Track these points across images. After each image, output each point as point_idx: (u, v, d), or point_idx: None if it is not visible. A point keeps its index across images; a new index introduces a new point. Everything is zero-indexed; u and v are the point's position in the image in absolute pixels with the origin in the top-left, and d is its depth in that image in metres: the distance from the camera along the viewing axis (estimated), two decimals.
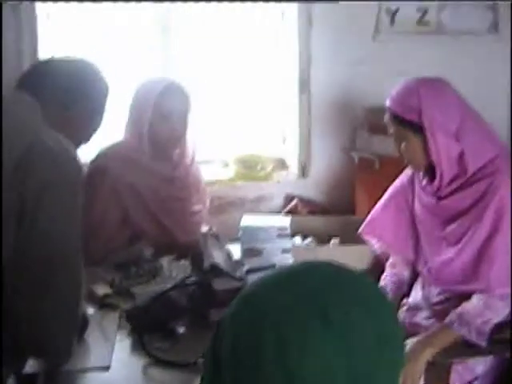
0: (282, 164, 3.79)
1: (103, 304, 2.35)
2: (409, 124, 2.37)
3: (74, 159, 1.94)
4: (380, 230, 2.70)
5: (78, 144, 2.17)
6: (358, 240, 2.85)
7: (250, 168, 3.68)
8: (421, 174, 2.52)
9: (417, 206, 2.57)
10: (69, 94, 2.06)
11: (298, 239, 3.27)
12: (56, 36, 3.59)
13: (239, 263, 2.42)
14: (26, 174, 1.82)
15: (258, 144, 3.78)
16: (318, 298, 0.89)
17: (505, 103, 3.69)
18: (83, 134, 2.18)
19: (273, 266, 2.31)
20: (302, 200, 3.60)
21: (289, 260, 2.60)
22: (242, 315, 0.92)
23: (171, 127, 2.79)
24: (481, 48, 3.63)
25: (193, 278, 2.25)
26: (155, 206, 2.81)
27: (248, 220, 2.63)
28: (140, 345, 2.05)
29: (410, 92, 2.40)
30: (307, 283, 0.92)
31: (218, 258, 2.31)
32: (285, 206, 3.61)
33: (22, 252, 1.82)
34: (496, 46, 3.63)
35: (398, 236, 2.65)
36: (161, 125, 2.78)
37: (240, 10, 3.68)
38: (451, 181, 2.39)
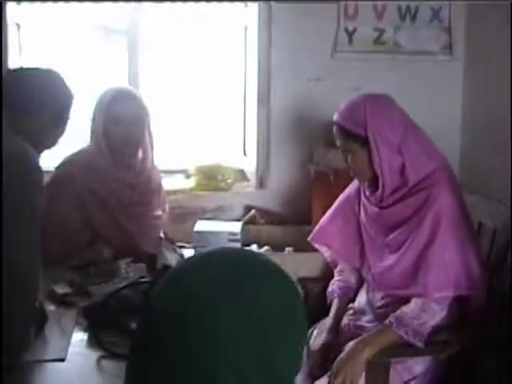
0: (242, 175, 3.91)
1: (63, 302, 2.46)
2: (355, 137, 2.50)
3: (34, 165, 2.04)
4: (328, 238, 2.84)
5: (41, 150, 2.28)
6: (311, 249, 2.99)
7: (211, 179, 3.80)
8: (365, 184, 2.66)
9: (362, 215, 2.71)
10: (31, 102, 2.17)
11: (254, 248, 3.40)
12: (27, 45, 3.73)
13: None
14: None
15: (220, 155, 3.90)
16: (232, 275, 1.02)
17: (457, 122, 3.83)
18: (47, 141, 2.29)
19: None
20: (259, 210, 3.72)
21: None
22: (167, 294, 1.04)
23: (124, 133, 2.88)
24: (435, 68, 3.78)
25: (147, 278, 2.37)
26: (117, 212, 2.90)
27: (201, 225, 2.75)
28: (94, 339, 2.16)
29: (356, 107, 2.54)
30: (222, 264, 1.04)
31: (170, 259, 2.43)
32: (244, 216, 3.72)
33: None
34: (450, 66, 3.78)
35: (345, 244, 2.79)
36: (113, 130, 2.87)
37: (205, 22, 3.81)
38: (393, 191, 2.53)
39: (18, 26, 3.71)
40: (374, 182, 2.59)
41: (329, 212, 2.88)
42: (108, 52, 3.89)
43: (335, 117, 2.58)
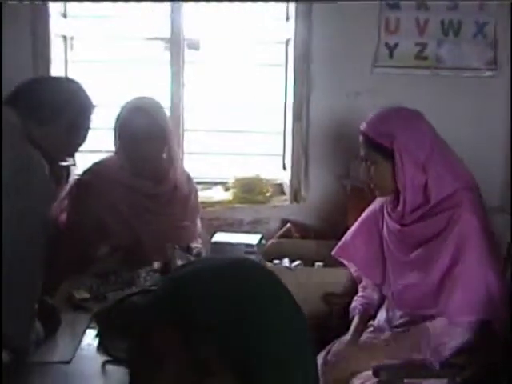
0: (280, 189, 3.91)
1: (80, 307, 2.51)
2: (380, 148, 2.47)
3: (43, 173, 2.09)
4: (351, 252, 2.82)
5: (60, 157, 2.33)
6: (341, 264, 2.97)
7: (249, 191, 3.81)
8: (386, 198, 2.63)
9: (385, 231, 2.67)
10: (44, 110, 2.23)
11: (286, 261, 3.39)
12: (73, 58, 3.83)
13: None
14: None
15: (259, 168, 3.91)
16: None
17: (504, 139, 3.74)
18: (64, 148, 2.34)
19: None
20: (295, 224, 3.71)
21: None
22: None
23: (139, 149, 2.89)
24: (479, 84, 3.70)
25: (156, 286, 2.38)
26: (134, 221, 2.94)
27: (219, 236, 2.76)
28: (101, 343, 2.20)
29: (385, 118, 2.52)
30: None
31: None
32: (280, 229, 3.72)
33: None
34: (495, 82, 3.70)
35: (367, 259, 2.76)
36: (129, 146, 2.91)
37: (246, 35, 3.85)
38: (414, 209, 2.49)
39: (65, 38, 3.80)
40: (396, 198, 2.56)
41: (354, 226, 2.85)
42: (154, 62, 3.94)
43: (362, 126, 2.56)
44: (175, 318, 0.98)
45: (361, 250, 2.79)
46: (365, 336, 2.67)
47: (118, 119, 2.94)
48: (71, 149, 2.39)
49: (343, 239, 2.87)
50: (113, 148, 3.02)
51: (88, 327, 2.35)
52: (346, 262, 2.90)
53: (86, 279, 2.69)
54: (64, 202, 3.00)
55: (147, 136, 2.89)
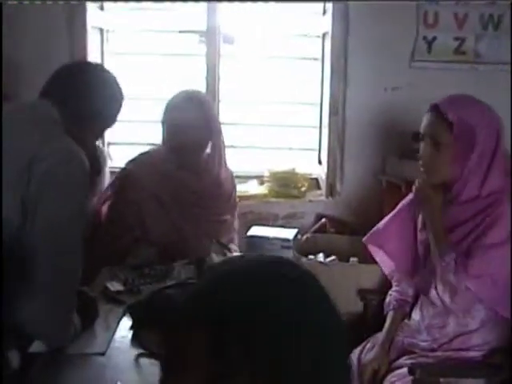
0: (316, 184, 3.89)
1: (114, 299, 2.51)
2: (454, 130, 2.38)
3: (82, 166, 2.09)
4: (383, 239, 2.74)
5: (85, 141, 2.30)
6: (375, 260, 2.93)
7: (284, 186, 3.79)
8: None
9: (420, 221, 2.63)
10: (78, 100, 2.22)
11: (321, 256, 3.37)
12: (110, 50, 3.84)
13: None
14: (33, 173, 1.98)
15: (295, 163, 3.89)
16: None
17: None
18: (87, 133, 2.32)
19: None
20: (330, 219, 3.69)
21: None
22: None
23: (191, 137, 2.90)
24: None
25: (192, 280, 2.38)
26: (174, 214, 2.94)
27: (255, 230, 2.74)
28: (135, 336, 2.20)
29: (467, 102, 2.44)
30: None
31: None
32: (314, 224, 3.70)
33: (23, 243, 1.99)
34: None
35: (399, 248, 2.69)
36: (174, 136, 2.90)
37: (283, 29, 3.83)
38: (466, 200, 2.43)
39: (101, 30, 3.81)
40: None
41: (388, 215, 2.80)
42: (189, 56, 3.94)
43: (440, 103, 2.45)
44: (205, 316, 0.97)
45: (393, 238, 2.70)
46: (399, 334, 2.62)
47: (166, 111, 2.94)
48: (94, 134, 2.37)
49: (375, 227, 2.80)
50: (149, 140, 3.03)
51: (122, 319, 2.35)
52: (376, 253, 2.81)
53: (120, 272, 2.70)
54: (106, 193, 3.02)
55: (191, 126, 2.90)
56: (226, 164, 3.16)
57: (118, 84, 2.35)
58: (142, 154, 3.07)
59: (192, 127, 2.90)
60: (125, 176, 2.98)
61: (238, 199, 3.33)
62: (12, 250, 1.96)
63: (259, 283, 0.99)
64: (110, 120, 2.37)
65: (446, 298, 2.45)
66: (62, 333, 2.11)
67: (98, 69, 2.40)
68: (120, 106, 2.36)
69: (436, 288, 2.50)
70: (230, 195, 3.17)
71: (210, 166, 3.03)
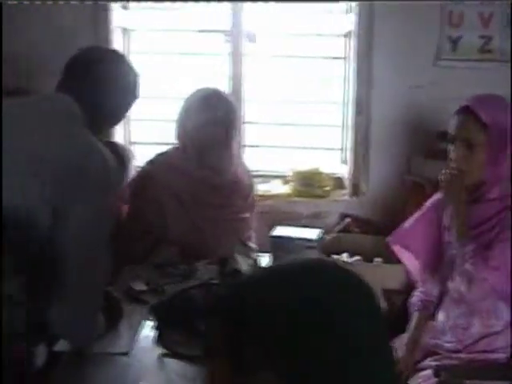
0: (340, 183, 3.87)
1: (137, 299, 2.51)
2: (488, 131, 2.36)
3: (106, 161, 2.09)
4: (408, 239, 2.72)
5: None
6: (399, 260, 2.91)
7: (308, 185, 3.78)
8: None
9: (446, 220, 2.60)
10: (96, 91, 2.19)
11: (345, 256, 3.36)
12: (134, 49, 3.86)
13: None
14: (62, 173, 1.98)
15: (318, 162, 3.88)
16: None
17: None
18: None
19: None
20: (354, 219, 3.67)
21: None
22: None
23: (210, 135, 2.89)
24: None
25: (215, 280, 2.38)
26: (195, 213, 2.93)
27: (279, 231, 2.73)
28: (158, 336, 2.20)
29: (503, 104, 2.42)
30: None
31: (242, 263, 2.43)
32: (338, 223, 3.69)
33: (52, 244, 1.99)
34: None
35: (425, 248, 2.66)
36: (199, 132, 2.89)
37: (305, 27, 3.82)
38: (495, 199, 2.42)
39: (125, 30, 3.83)
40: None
41: (414, 215, 2.77)
42: (211, 55, 3.95)
43: (471, 103, 2.42)
44: (230, 317, 0.97)
45: (418, 238, 2.67)
46: (424, 335, 2.60)
47: (184, 109, 2.95)
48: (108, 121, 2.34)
49: (400, 227, 2.78)
50: (171, 139, 3.03)
51: (145, 319, 2.36)
52: (401, 253, 2.79)
53: (143, 271, 2.70)
54: (125, 192, 3.02)
55: (221, 122, 2.90)
56: (241, 160, 3.15)
57: (132, 72, 2.29)
58: (160, 154, 3.07)
59: (218, 126, 2.90)
60: (144, 175, 2.99)
61: (257, 198, 3.33)
62: (43, 250, 1.97)
63: (281, 285, 0.99)
64: (124, 112, 2.34)
65: (463, 288, 2.44)
66: (87, 333, 2.12)
67: (114, 57, 2.32)
68: (134, 97, 2.31)
69: (454, 278, 2.49)
70: (247, 193, 3.15)
71: (229, 164, 3.03)
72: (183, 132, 2.95)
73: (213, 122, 2.89)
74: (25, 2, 3.58)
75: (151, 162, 3.04)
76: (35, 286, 1.97)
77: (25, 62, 3.73)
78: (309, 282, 1.00)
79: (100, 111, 2.19)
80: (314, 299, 0.98)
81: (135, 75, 2.29)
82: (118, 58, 2.32)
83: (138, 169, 3.07)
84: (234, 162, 3.04)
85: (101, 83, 2.19)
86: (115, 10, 3.72)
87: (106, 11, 3.68)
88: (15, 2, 3.54)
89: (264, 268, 1.11)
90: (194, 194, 2.94)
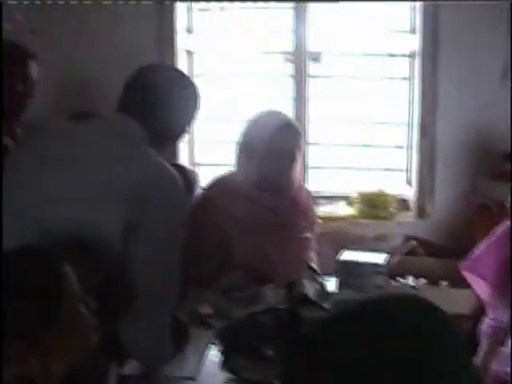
0: (405, 205, 3.84)
1: (203, 322, 2.52)
2: None
3: (176, 182, 2.10)
4: (481, 266, 2.68)
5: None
6: (468, 285, 2.86)
7: (373, 207, 3.76)
8: None
9: None
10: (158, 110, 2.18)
11: (410, 279, 3.32)
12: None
13: (331, 295, 2.50)
14: (136, 197, 2.00)
15: (383, 183, 3.86)
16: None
17: None
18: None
19: None
20: (420, 241, 3.63)
21: None
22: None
23: (282, 164, 2.89)
24: None
25: (283, 305, 2.37)
26: (259, 236, 2.92)
27: (345, 255, 2.71)
28: (225, 361, 2.20)
29: None
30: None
31: (309, 287, 2.41)
32: (403, 246, 3.64)
33: (124, 266, 2.01)
34: None
35: (501, 276, 2.62)
36: (272, 162, 2.87)
37: (370, 49, 3.82)
38: None
39: (190, 53, 3.87)
40: None
41: (487, 241, 2.72)
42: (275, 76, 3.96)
43: None
44: (317, 348, 0.97)
45: (490, 264, 2.64)
46: (494, 364, 2.55)
47: (248, 133, 2.94)
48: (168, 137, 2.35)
49: (473, 253, 2.73)
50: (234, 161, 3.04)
51: (211, 343, 2.36)
52: (472, 280, 2.76)
53: (209, 294, 2.71)
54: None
55: (291, 149, 2.90)
56: (300, 180, 3.15)
57: (193, 90, 2.29)
58: (219, 179, 3.07)
59: (290, 155, 2.90)
60: (204, 200, 2.98)
61: (321, 219, 3.32)
62: (115, 271, 1.99)
63: (371, 321, 0.99)
64: (185, 131, 2.34)
65: None
66: (159, 354, 2.12)
67: (175, 75, 2.32)
68: (194, 115, 2.30)
69: None
70: (307, 212, 3.13)
71: (290, 186, 3.01)
72: (246, 156, 2.94)
73: (279, 147, 2.87)
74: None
75: (211, 187, 3.04)
76: (109, 306, 1.99)
77: (87, 84, 3.79)
78: (397, 319, 1.00)
79: (161, 130, 2.19)
80: (404, 336, 0.97)
81: (196, 93, 2.30)
82: (180, 76, 2.33)
83: (201, 191, 3.08)
84: (295, 184, 3.03)
85: (163, 102, 2.18)
86: (180, 32, 3.76)
87: (171, 34, 3.72)
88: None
89: (353, 302, 1.09)
90: (256, 217, 2.93)
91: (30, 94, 3.10)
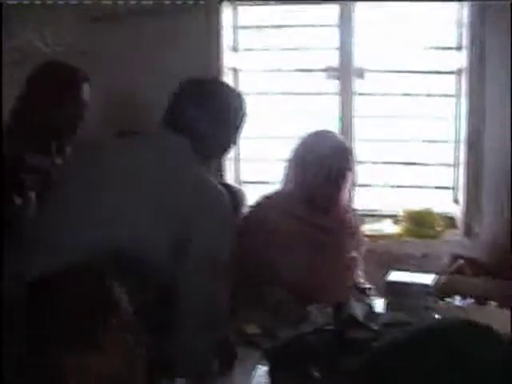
0: (452, 223, 3.79)
1: (250, 342, 2.52)
2: None
3: (224, 200, 2.11)
4: None
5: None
6: None
7: (419, 225, 3.72)
8: None
9: None
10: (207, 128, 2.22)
11: (457, 300, 3.27)
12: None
13: (379, 316, 2.48)
14: (186, 212, 2.01)
15: (429, 201, 3.82)
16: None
17: None
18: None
19: (409, 322, 2.35)
20: (468, 260, 3.58)
21: (430, 318, 2.59)
22: None
23: (333, 185, 2.90)
24: None
25: (331, 326, 2.35)
26: (307, 254, 2.90)
27: (393, 275, 2.69)
28: (273, 382, 2.19)
29: None
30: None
31: (357, 308, 2.39)
32: (450, 265, 3.60)
33: (173, 284, 2.02)
34: None
35: None
36: (324, 182, 2.88)
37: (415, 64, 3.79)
38: None
39: (236, 70, 3.88)
40: None
41: None
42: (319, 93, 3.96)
43: None
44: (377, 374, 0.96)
45: None
46: None
47: (301, 152, 2.95)
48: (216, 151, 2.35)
49: None
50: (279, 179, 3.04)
51: (259, 363, 2.35)
52: None
53: (256, 314, 2.70)
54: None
55: (343, 171, 2.91)
56: (349, 200, 3.14)
57: (239, 103, 2.32)
58: (266, 197, 3.08)
59: (343, 176, 2.90)
60: (252, 218, 3.00)
61: (368, 237, 3.30)
62: (165, 290, 1.99)
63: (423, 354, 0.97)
64: (231, 146, 2.35)
65: None
66: (206, 372, 2.13)
67: (220, 89, 2.35)
68: (239, 130, 2.33)
69: None
70: (354, 232, 3.13)
71: (338, 205, 3.01)
72: (298, 174, 2.95)
73: (332, 168, 2.88)
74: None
75: (259, 204, 3.05)
76: (157, 325, 2.00)
77: (134, 104, 3.83)
78: (460, 349, 0.98)
79: (208, 145, 2.21)
80: (478, 373, 0.96)
81: (243, 108, 2.31)
82: (226, 90, 2.35)
83: (249, 209, 3.08)
84: (343, 203, 3.02)
85: (209, 116, 2.22)
86: (225, 51, 3.79)
87: (217, 53, 3.75)
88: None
89: (419, 328, 1.08)
90: (305, 235, 2.92)
91: (80, 116, 3.12)
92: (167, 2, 3.69)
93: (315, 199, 2.93)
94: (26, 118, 3.01)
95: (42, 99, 3.01)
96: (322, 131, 3.04)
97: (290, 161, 2.98)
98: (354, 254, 3.07)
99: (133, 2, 3.77)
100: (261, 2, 3.90)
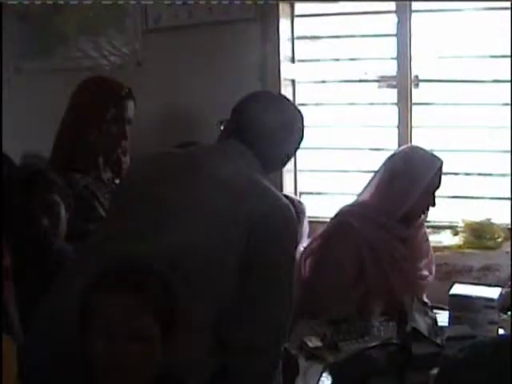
0: None
1: (312, 355, 2.51)
2: None
3: (291, 214, 2.11)
4: None
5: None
6: None
7: (479, 236, 3.67)
8: None
9: None
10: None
11: None
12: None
13: (442, 330, 2.46)
14: (251, 228, 2.00)
15: (490, 212, 3.77)
16: None
17: None
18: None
19: (473, 336, 2.32)
20: None
21: (494, 332, 2.57)
22: None
23: (431, 199, 3.01)
24: None
25: (395, 340, 2.34)
26: (387, 265, 2.93)
27: (457, 289, 2.67)
28: None
29: None
30: None
31: (420, 322, 2.38)
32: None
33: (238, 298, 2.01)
34: None
35: None
36: (425, 198, 2.98)
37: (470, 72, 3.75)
38: None
39: (293, 82, 3.88)
40: None
41: None
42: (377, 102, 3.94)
43: None
44: None
45: None
46: None
47: (398, 165, 3.00)
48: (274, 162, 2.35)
49: None
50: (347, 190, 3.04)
51: (321, 377, 2.35)
52: None
53: (317, 326, 2.70)
54: (310, 246, 3.03)
55: (437, 185, 3.02)
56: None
57: (299, 117, 2.31)
58: (351, 206, 3.10)
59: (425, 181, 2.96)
60: (343, 226, 3.00)
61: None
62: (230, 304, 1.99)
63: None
64: (289, 158, 2.35)
65: None
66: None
67: (285, 105, 2.34)
68: (299, 142, 2.32)
69: None
70: (428, 248, 3.18)
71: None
72: (401, 193, 2.96)
73: (434, 186, 3.00)
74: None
75: (346, 213, 3.05)
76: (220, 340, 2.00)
77: (190, 116, 3.85)
78: None
79: (268, 157, 2.20)
80: None
81: (301, 121, 2.31)
82: (285, 104, 2.35)
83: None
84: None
85: (271, 130, 2.20)
86: (283, 62, 3.79)
87: (275, 64, 3.75)
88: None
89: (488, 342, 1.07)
90: (387, 244, 2.94)
91: (124, 135, 3.09)
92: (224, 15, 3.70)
93: (410, 212, 2.96)
94: (64, 134, 3.02)
95: (82, 117, 3.00)
96: (415, 147, 3.15)
97: (381, 173, 3.02)
98: (425, 272, 3.11)
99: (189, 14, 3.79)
100: (317, 13, 3.89)
